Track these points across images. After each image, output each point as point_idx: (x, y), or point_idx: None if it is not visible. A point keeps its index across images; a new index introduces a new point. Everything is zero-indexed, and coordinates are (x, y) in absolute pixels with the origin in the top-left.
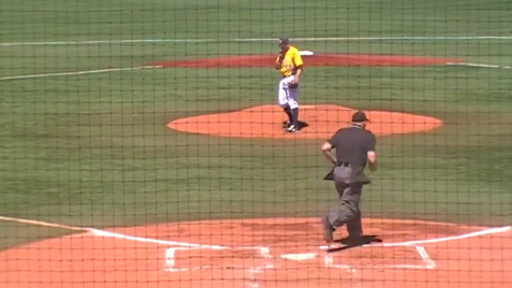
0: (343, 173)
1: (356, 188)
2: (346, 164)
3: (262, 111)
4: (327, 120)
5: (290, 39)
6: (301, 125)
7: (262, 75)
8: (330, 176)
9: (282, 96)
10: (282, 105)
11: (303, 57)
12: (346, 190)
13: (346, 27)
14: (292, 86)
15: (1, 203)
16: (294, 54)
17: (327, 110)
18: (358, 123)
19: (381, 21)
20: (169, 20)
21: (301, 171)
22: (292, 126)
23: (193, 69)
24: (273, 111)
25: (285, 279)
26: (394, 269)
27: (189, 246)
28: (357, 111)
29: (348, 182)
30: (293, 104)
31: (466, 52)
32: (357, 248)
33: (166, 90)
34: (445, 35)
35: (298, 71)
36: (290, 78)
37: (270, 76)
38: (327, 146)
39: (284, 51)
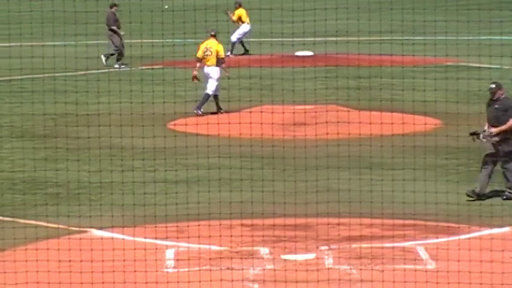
0: None
1: None
2: None
3: (261, 112)
4: (327, 121)
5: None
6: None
7: (261, 75)
8: None
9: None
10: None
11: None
12: None
13: (345, 27)
14: None
15: None
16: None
17: (326, 110)
18: None
19: (381, 21)
20: (167, 22)
21: (301, 172)
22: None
23: None
24: (272, 112)
25: (285, 279)
26: (394, 269)
27: (188, 247)
28: None
29: None
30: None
31: (467, 52)
32: (357, 248)
33: (165, 90)
34: (446, 35)
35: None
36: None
37: (269, 77)
38: None
39: None
